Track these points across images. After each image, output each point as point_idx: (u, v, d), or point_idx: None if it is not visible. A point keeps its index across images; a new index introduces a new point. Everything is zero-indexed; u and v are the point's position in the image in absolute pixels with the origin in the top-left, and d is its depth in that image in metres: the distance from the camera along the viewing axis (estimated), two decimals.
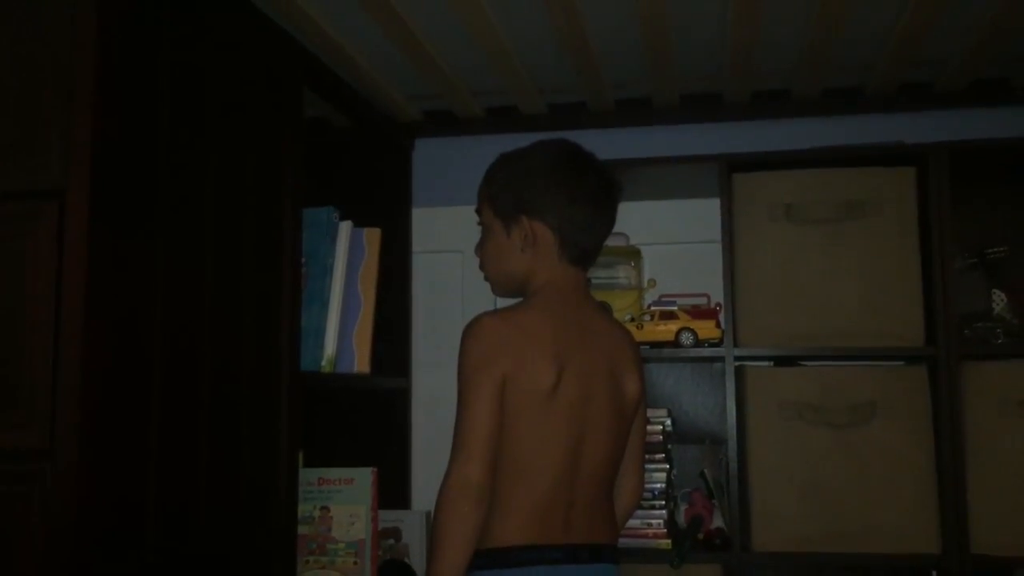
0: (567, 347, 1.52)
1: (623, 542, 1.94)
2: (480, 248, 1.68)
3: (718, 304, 2.03)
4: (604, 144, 2.30)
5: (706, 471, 2.08)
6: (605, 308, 2.05)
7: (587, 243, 1.60)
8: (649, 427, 2.02)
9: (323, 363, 1.91)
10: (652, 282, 2.09)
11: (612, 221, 1.64)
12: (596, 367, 1.55)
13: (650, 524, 1.96)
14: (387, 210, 2.31)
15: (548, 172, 1.59)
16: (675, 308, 2.02)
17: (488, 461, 1.44)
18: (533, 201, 1.58)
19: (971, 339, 1.92)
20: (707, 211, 2.14)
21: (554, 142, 1.66)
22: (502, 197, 1.62)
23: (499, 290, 1.69)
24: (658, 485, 1.98)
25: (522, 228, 1.59)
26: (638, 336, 1.99)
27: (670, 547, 1.94)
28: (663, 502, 1.97)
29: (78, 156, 1.24)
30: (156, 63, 1.40)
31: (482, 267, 1.68)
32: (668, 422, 2.04)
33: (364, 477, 1.98)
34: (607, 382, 1.56)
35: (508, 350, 1.48)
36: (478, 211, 1.67)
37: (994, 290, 1.96)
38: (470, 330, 1.52)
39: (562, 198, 1.57)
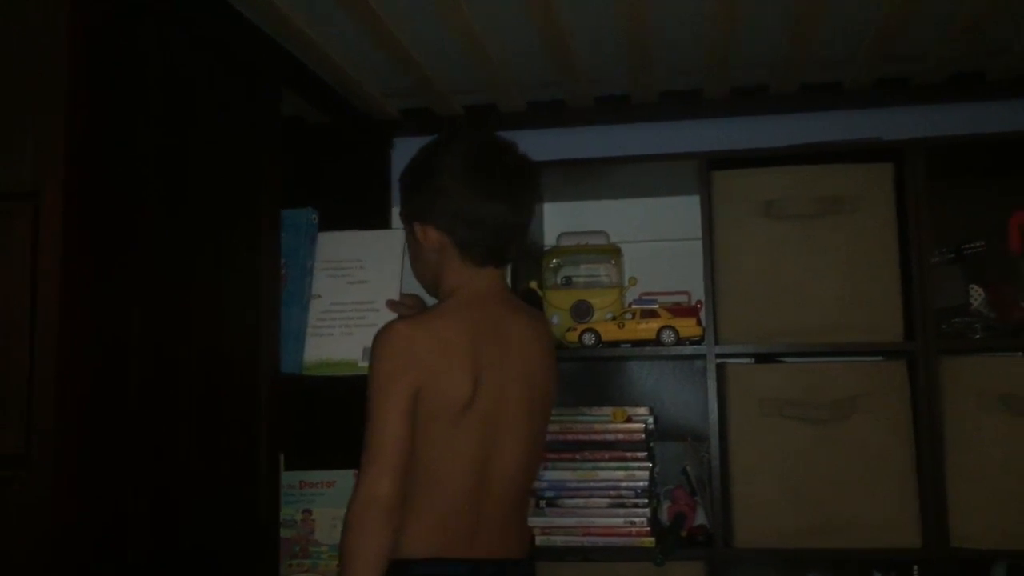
0: (483, 355, 1.48)
1: (606, 540, 1.96)
2: (408, 252, 1.67)
3: (699, 302, 2.03)
4: (583, 142, 2.32)
5: (688, 468, 2.09)
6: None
7: (487, 241, 1.53)
8: (631, 425, 2.02)
9: (312, 364, 1.89)
10: (633, 280, 2.09)
11: (519, 214, 1.57)
12: (512, 374, 1.52)
13: (633, 522, 1.96)
14: (367, 210, 2.30)
15: (436, 174, 1.53)
16: (656, 306, 2.02)
17: (399, 476, 1.40)
18: (423, 206, 1.54)
19: (949, 334, 1.93)
20: (687, 208, 2.14)
21: (454, 138, 1.59)
22: (403, 202, 1.61)
23: (428, 293, 1.67)
24: (641, 483, 1.98)
25: (419, 234, 1.56)
26: (620, 335, 1.99)
27: (653, 545, 1.94)
28: (646, 500, 1.97)
29: (53, 156, 1.22)
30: (132, 62, 1.38)
31: (412, 272, 1.68)
32: (650, 420, 2.04)
33: (346, 479, 1.97)
34: (522, 388, 1.53)
35: (422, 359, 1.44)
36: (400, 215, 1.65)
37: (972, 285, 1.96)
38: (382, 337, 1.47)
39: (450, 200, 1.51)
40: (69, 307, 1.22)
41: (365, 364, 1.84)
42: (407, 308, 1.83)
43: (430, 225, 1.54)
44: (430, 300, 1.78)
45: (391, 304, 1.84)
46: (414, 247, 1.62)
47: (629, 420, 2.03)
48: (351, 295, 1.91)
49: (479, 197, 1.52)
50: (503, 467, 1.51)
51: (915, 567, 1.92)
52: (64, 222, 1.21)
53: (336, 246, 1.95)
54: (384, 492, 1.39)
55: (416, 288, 1.77)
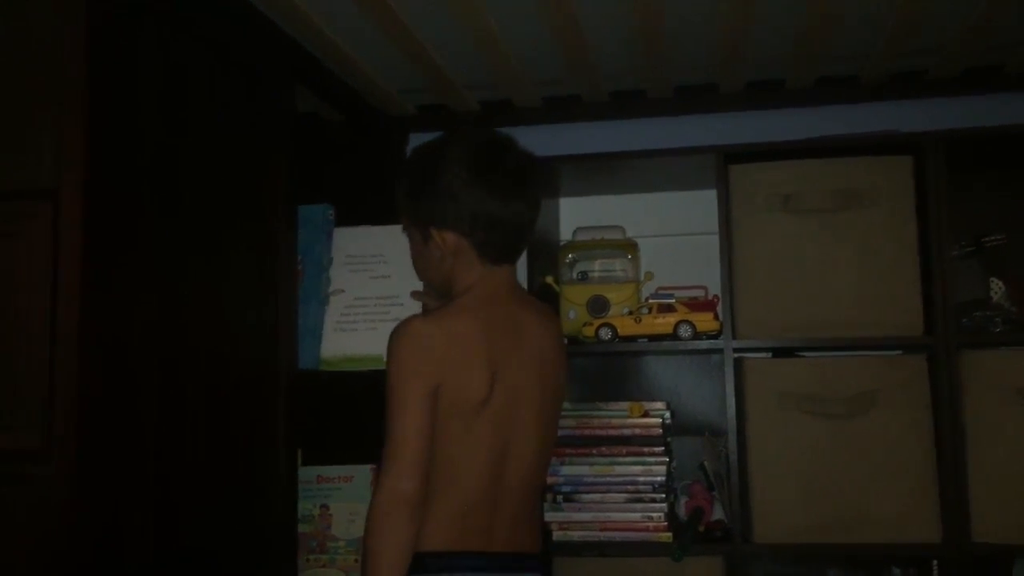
0: (499, 353, 1.48)
1: (623, 535, 1.95)
2: (411, 255, 1.66)
3: (716, 296, 2.02)
4: (599, 137, 2.32)
5: (706, 463, 2.08)
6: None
7: (505, 240, 1.54)
8: (648, 420, 2.02)
9: (334, 359, 1.90)
10: (649, 275, 2.08)
11: (530, 211, 1.57)
12: (526, 371, 1.52)
13: (651, 517, 1.95)
14: (383, 205, 2.29)
15: (449, 177, 1.51)
16: (673, 301, 2.01)
17: (421, 473, 1.41)
18: (437, 211, 1.53)
19: (969, 328, 1.92)
20: (704, 203, 2.13)
21: (457, 139, 1.59)
22: (411, 208, 1.58)
23: (436, 294, 1.67)
24: (658, 478, 1.97)
25: (434, 239, 1.55)
26: (636, 330, 1.98)
27: (671, 540, 1.93)
28: (663, 495, 1.96)
29: (71, 155, 1.23)
30: (147, 60, 1.39)
31: (418, 275, 1.67)
32: (667, 415, 2.04)
33: (363, 474, 1.98)
34: (536, 386, 1.53)
35: (440, 356, 1.44)
36: (400, 220, 1.65)
37: (992, 278, 1.95)
38: (400, 334, 1.46)
39: (467, 202, 1.50)
40: (88, 303, 1.22)
41: None
42: (431, 298, 1.84)
43: (447, 229, 1.54)
44: None
45: (416, 294, 1.84)
46: (422, 252, 1.61)
47: (646, 415, 2.03)
48: (374, 289, 1.92)
49: (495, 197, 1.51)
50: (517, 462, 1.52)
51: (935, 562, 1.91)
52: (83, 220, 1.22)
53: (357, 241, 1.96)
54: (406, 489, 1.40)
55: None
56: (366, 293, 1.92)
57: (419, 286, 1.87)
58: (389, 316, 1.90)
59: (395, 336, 1.47)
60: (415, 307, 1.89)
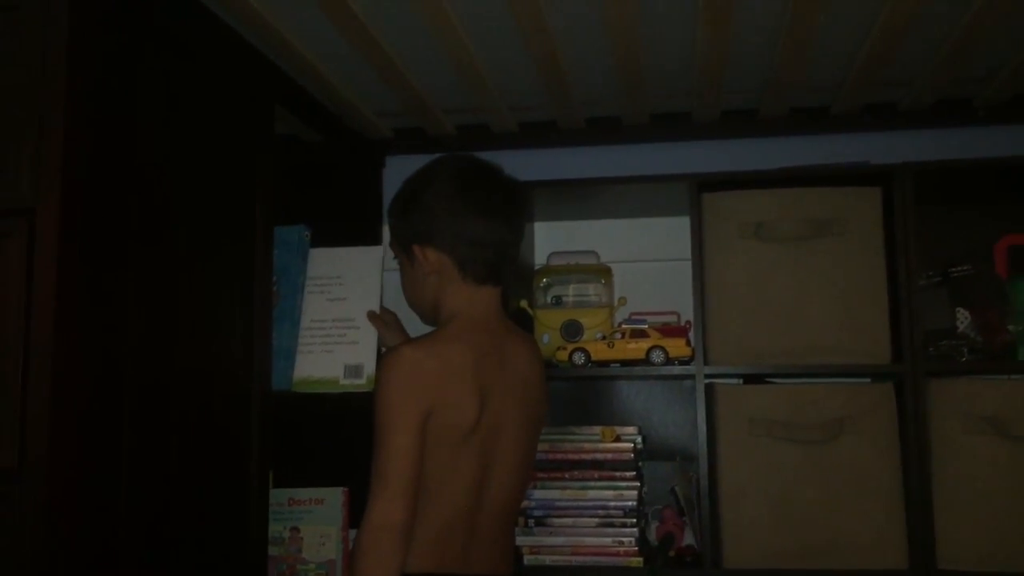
0: (487, 378, 1.50)
1: (594, 560, 1.96)
2: (401, 279, 1.68)
3: (688, 322, 2.04)
4: (575, 162, 2.34)
5: (677, 488, 2.09)
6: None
7: (489, 259, 1.56)
8: (620, 444, 2.03)
9: (294, 382, 1.90)
10: (622, 300, 2.10)
11: (515, 231, 1.60)
12: (510, 397, 1.54)
13: (621, 542, 1.96)
14: (358, 228, 2.30)
15: (432, 194, 1.55)
16: (646, 327, 2.02)
17: (411, 499, 1.41)
18: (421, 227, 1.55)
19: (936, 356, 1.95)
20: (677, 229, 2.15)
21: (444, 161, 1.62)
22: (397, 228, 1.61)
23: (423, 320, 1.68)
24: (629, 503, 1.98)
25: (417, 256, 1.57)
26: (609, 354, 1.99)
27: (641, 565, 1.94)
28: (634, 520, 1.97)
29: (49, 173, 1.23)
30: (128, 81, 1.39)
31: (407, 300, 1.68)
32: (639, 439, 2.05)
33: (335, 497, 1.97)
34: (519, 411, 1.55)
35: (431, 384, 1.45)
36: (390, 244, 1.67)
37: (958, 308, 1.98)
38: (390, 362, 1.47)
39: (449, 219, 1.53)
40: (64, 323, 1.22)
41: (347, 382, 1.85)
42: (385, 324, 1.86)
43: (430, 246, 1.55)
44: (409, 317, 1.79)
45: (371, 316, 1.86)
46: (410, 274, 1.62)
47: (618, 439, 2.03)
48: (331, 312, 1.92)
49: (477, 215, 1.54)
50: (497, 487, 1.53)
51: None
52: (59, 239, 1.22)
53: (317, 262, 1.96)
54: (398, 517, 1.40)
55: (393, 306, 1.78)
56: (322, 316, 1.92)
57: (374, 309, 1.89)
58: (345, 339, 1.89)
59: (386, 363, 1.47)
60: (371, 331, 1.89)
